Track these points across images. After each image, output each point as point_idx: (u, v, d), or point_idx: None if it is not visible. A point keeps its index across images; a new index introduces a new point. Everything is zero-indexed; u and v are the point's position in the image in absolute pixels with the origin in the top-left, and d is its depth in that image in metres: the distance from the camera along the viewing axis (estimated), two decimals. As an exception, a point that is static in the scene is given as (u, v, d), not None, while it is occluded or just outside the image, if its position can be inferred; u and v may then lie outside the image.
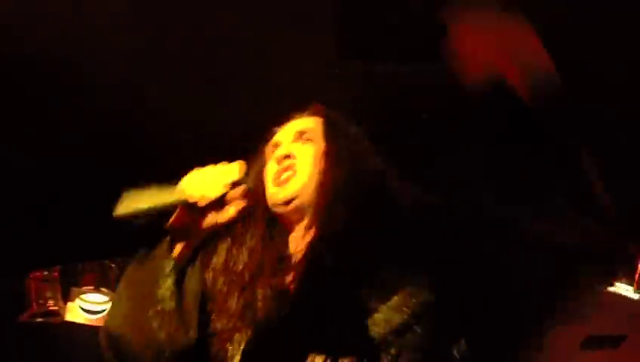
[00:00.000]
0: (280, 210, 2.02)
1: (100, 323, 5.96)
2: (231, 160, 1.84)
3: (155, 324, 1.75)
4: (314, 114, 2.21)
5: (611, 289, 5.60)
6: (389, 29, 3.13)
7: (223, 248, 2.02)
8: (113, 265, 5.92)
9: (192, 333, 1.76)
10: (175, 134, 3.84)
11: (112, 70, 3.41)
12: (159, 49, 3.34)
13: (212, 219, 1.83)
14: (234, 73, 3.48)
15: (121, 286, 1.94)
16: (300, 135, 2.13)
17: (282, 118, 2.24)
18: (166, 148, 3.89)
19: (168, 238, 1.88)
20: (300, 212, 2.00)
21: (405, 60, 3.21)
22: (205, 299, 1.89)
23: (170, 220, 1.86)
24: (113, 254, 5.46)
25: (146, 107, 3.69)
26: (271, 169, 2.09)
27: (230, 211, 1.80)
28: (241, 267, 1.95)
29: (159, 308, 1.77)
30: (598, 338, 5.74)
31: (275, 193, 2.03)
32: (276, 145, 2.15)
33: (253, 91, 3.55)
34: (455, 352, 1.77)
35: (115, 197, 4.18)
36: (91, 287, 5.94)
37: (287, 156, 2.06)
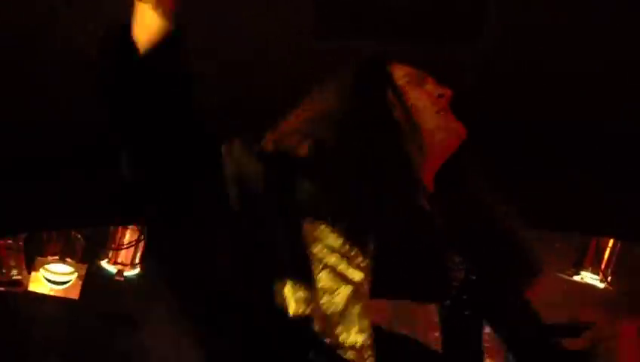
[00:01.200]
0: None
1: (65, 295, 5.97)
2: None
3: None
4: None
5: (577, 278, 5.66)
6: (367, 8, 3.10)
7: None
8: (79, 236, 5.86)
9: None
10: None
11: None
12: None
13: None
14: (212, 49, 3.43)
15: None
16: None
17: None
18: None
19: None
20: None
21: (383, 38, 3.19)
22: None
23: None
24: (80, 224, 5.41)
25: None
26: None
27: None
28: None
29: None
30: (562, 326, 5.79)
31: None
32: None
33: (231, 67, 3.50)
34: None
35: (81, 165, 4.12)
36: (56, 257, 5.88)
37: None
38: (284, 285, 1.53)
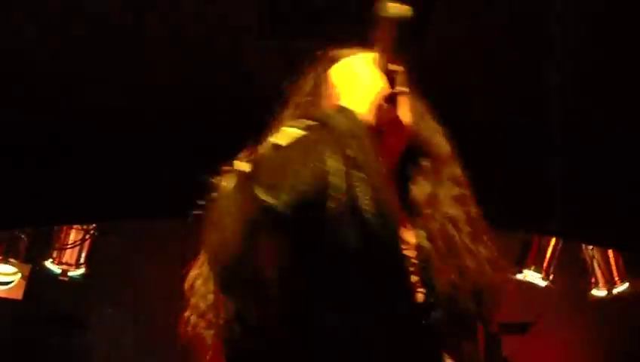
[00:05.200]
0: None
1: (8, 295, 5.88)
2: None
3: None
4: None
5: (520, 276, 5.74)
6: (311, 7, 3.12)
7: None
8: (23, 236, 5.79)
9: None
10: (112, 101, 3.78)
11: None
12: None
13: None
14: (155, 46, 3.43)
15: None
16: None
17: None
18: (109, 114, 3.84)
19: None
20: None
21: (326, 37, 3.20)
22: None
23: None
24: (23, 223, 5.35)
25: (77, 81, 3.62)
26: None
27: None
28: None
29: None
30: (507, 324, 5.88)
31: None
32: None
33: (177, 65, 3.51)
34: None
35: (27, 166, 4.09)
36: (-1, 258, 5.80)
37: None
38: None
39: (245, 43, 3.22)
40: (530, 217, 4.59)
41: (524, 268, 5.72)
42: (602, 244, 5.47)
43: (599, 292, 5.86)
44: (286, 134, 1.33)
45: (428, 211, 1.64)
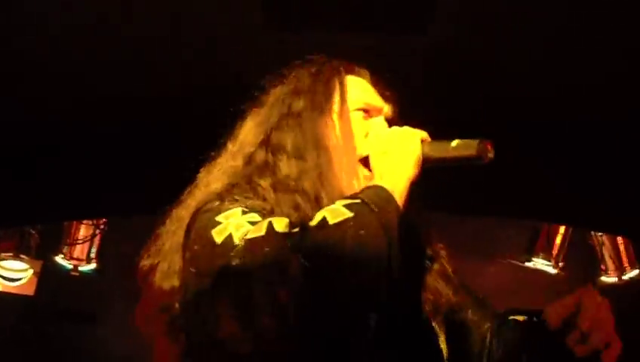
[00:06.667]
0: None
1: (20, 291, 5.91)
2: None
3: None
4: None
5: (530, 264, 5.74)
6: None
7: None
8: (33, 232, 5.81)
9: None
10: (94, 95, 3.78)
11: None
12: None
13: None
14: (161, 39, 3.43)
15: None
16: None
17: None
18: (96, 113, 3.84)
19: None
20: None
21: (333, 30, 3.20)
22: None
23: None
24: (33, 220, 5.37)
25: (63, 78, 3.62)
26: None
27: None
28: None
29: None
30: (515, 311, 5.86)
31: None
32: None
33: (179, 58, 3.51)
34: None
35: (36, 163, 4.10)
36: (10, 254, 5.82)
37: None
38: None
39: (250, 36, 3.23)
40: (539, 205, 4.58)
41: (534, 255, 5.72)
42: (612, 231, 5.46)
43: (609, 278, 5.84)
44: (334, 212, 1.44)
45: None
